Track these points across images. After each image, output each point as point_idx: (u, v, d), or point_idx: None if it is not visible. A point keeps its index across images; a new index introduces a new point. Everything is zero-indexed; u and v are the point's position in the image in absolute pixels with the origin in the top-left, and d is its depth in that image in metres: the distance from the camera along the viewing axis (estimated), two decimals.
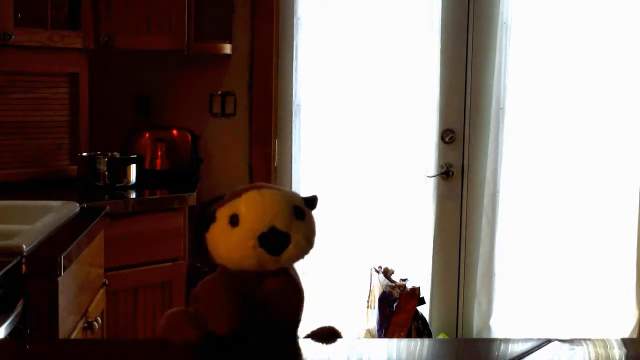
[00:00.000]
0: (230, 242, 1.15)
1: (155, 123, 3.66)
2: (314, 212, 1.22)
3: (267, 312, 1.18)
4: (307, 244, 1.18)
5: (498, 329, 3.85)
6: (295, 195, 1.21)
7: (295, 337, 1.23)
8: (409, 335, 3.53)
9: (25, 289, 1.96)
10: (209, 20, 3.58)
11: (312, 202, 1.22)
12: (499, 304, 3.86)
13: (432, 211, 3.85)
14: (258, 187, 1.19)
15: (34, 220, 2.27)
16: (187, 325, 1.17)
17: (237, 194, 1.18)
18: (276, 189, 1.20)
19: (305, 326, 1.26)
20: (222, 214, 1.17)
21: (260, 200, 1.17)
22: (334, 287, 3.94)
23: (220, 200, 1.21)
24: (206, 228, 1.19)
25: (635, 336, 3.69)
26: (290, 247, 1.15)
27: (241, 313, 1.16)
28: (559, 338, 1.31)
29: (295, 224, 1.16)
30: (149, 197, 3.19)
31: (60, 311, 2.03)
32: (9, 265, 1.88)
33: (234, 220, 1.15)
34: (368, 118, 3.88)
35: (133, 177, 3.25)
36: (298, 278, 1.22)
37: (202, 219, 1.19)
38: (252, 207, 1.15)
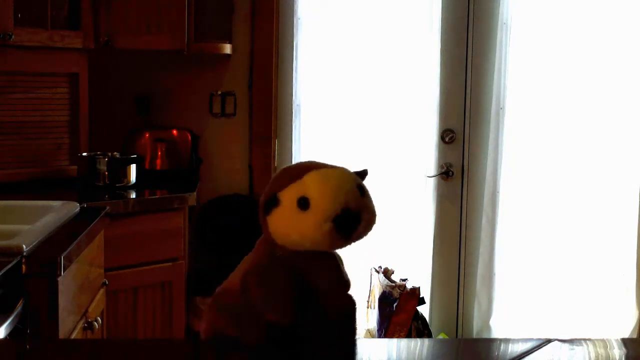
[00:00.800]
0: (303, 226, 1.12)
1: (155, 123, 3.66)
2: None
3: (321, 302, 1.16)
4: (374, 220, 1.16)
5: (498, 329, 3.85)
6: (353, 173, 1.19)
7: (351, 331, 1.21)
8: (409, 335, 3.53)
9: (25, 289, 1.96)
10: (209, 20, 3.58)
11: (363, 176, 1.20)
12: (499, 304, 3.86)
13: (432, 211, 3.85)
14: (317, 167, 1.16)
15: (34, 220, 2.27)
16: (248, 325, 1.14)
17: (295, 175, 1.15)
18: (333, 167, 1.18)
19: None
20: (288, 196, 1.14)
21: (328, 181, 1.14)
22: None
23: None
24: (269, 211, 1.15)
25: (635, 336, 3.68)
26: (361, 226, 1.14)
27: (299, 303, 1.13)
28: (559, 338, 1.31)
29: (362, 202, 1.15)
30: (149, 197, 3.19)
31: (60, 311, 2.03)
32: (9, 265, 1.88)
33: (302, 203, 1.12)
34: (368, 118, 3.88)
35: (133, 177, 3.25)
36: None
37: (265, 202, 1.15)
38: (323, 190, 1.13)
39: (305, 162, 1.17)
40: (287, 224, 1.13)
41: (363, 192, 1.16)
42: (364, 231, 1.15)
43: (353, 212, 1.13)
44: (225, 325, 1.17)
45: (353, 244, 1.16)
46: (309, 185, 1.13)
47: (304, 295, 1.14)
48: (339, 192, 1.13)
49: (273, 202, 1.14)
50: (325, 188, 1.13)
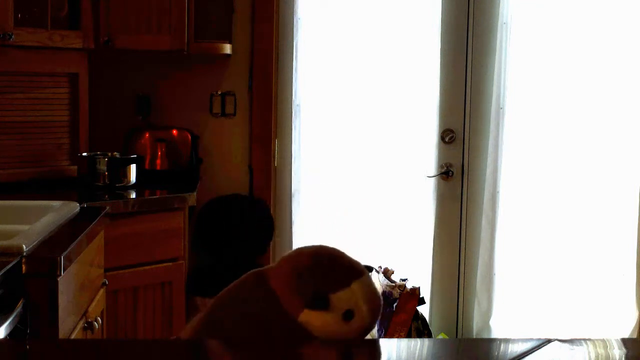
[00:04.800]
0: (346, 334, 1.23)
1: (155, 123, 3.66)
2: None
3: None
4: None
5: (498, 329, 3.85)
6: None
7: None
8: (409, 335, 3.53)
9: (25, 289, 1.96)
10: (209, 20, 3.58)
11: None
12: (499, 304, 3.86)
13: (432, 211, 3.85)
14: (358, 274, 1.28)
15: (34, 220, 2.27)
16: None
17: (342, 278, 1.26)
18: (368, 276, 1.30)
19: None
20: (337, 304, 1.23)
21: (373, 300, 1.27)
22: None
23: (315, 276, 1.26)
24: (314, 308, 1.23)
25: (635, 336, 3.69)
26: None
27: None
28: (559, 338, 1.31)
29: None
30: (149, 197, 3.19)
31: (60, 311, 2.03)
32: (9, 265, 1.88)
33: (349, 315, 1.23)
34: (368, 118, 3.88)
35: (133, 177, 3.25)
36: None
37: (315, 300, 1.24)
38: (368, 307, 1.25)
39: (338, 256, 1.32)
40: (332, 331, 1.24)
41: None
42: None
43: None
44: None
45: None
46: (356, 300, 1.24)
47: None
48: (378, 308, 1.28)
49: (323, 304, 1.24)
50: (370, 307, 1.26)
